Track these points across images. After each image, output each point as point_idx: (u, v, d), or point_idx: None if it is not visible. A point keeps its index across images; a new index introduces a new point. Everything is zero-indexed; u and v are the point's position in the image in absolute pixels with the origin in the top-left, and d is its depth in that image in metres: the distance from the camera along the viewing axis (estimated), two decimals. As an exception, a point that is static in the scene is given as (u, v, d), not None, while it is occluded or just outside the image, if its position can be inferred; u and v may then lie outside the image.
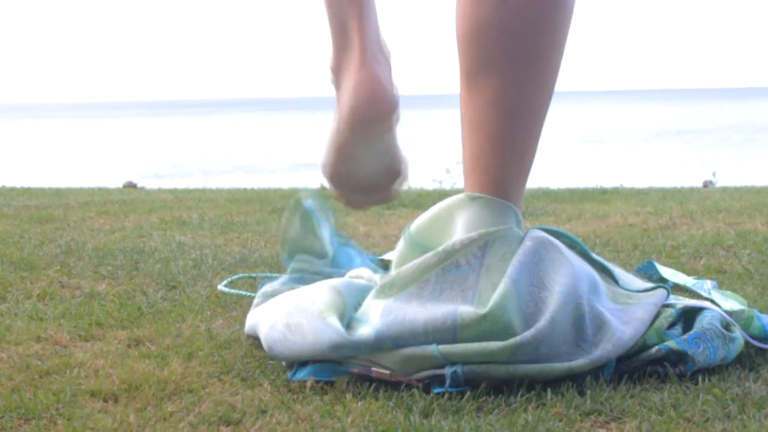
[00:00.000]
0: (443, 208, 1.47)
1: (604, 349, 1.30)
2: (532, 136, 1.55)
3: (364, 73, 1.69)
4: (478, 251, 1.37)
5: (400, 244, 1.50)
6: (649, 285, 1.49)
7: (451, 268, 1.36)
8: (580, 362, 1.29)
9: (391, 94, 1.69)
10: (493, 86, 1.52)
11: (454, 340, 1.28)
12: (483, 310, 1.29)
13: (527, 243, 1.37)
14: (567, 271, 1.34)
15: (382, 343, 1.30)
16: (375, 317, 1.34)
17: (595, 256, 1.49)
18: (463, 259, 1.36)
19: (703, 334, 1.35)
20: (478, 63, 1.53)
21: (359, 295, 1.45)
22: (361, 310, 1.41)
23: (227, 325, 1.63)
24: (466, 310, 1.30)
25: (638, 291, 1.46)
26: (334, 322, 1.35)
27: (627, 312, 1.39)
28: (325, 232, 1.80)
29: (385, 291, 1.38)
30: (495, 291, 1.32)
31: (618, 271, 1.54)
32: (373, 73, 1.69)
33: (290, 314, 1.41)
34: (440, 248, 1.38)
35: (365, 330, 1.33)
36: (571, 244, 1.47)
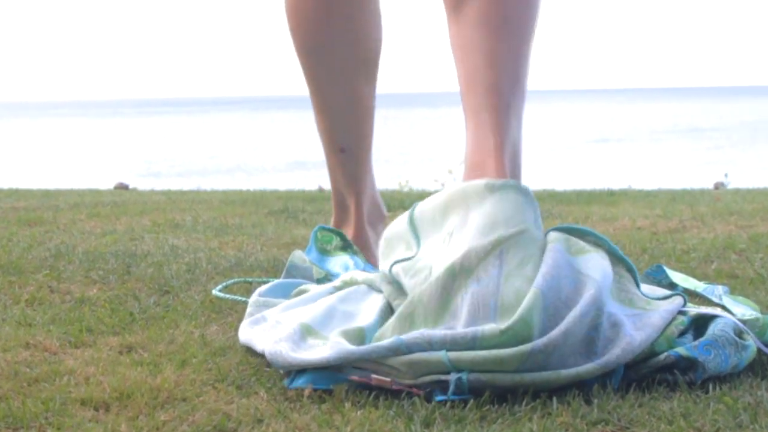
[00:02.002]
0: (456, 195, 1.48)
1: (612, 354, 1.30)
2: (522, 54, 1.65)
3: (359, 243, 2.11)
4: (496, 260, 1.37)
5: (401, 221, 1.55)
6: (668, 293, 1.49)
7: (472, 284, 1.36)
8: (587, 367, 1.29)
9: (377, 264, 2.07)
10: (477, 7, 1.64)
11: (468, 350, 1.29)
12: (504, 325, 1.30)
13: (555, 254, 1.37)
14: (591, 286, 1.35)
15: (397, 349, 1.31)
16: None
17: (622, 254, 1.48)
18: (483, 272, 1.36)
19: (714, 342, 1.34)
20: None
21: (359, 300, 1.46)
22: (378, 335, 1.41)
23: (222, 332, 1.63)
24: (489, 327, 1.30)
25: (657, 298, 1.46)
26: (342, 339, 1.38)
27: (642, 318, 1.39)
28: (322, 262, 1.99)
29: (413, 328, 1.38)
30: (517, 297, 1.33)
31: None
32: (366, 245, 2.11)
33: (293, 332, 1.42)
34: (457, 265, 1.37)
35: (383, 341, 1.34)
36: (598, 242, 1.47)
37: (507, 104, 1.58)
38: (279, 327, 1.47)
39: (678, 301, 1.44)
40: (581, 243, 1.44)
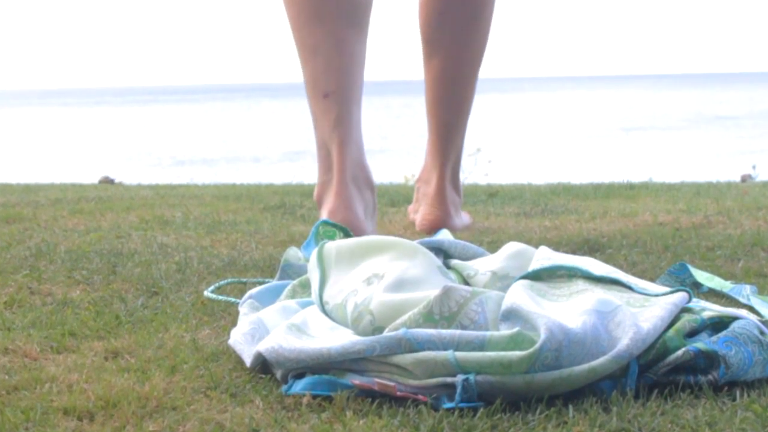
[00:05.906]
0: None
1: (622, 344, 1.32)
2: (469, 92, 2.61)
3: (339, 201, 2.16)
4: (477, 307, 1.41)
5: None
6: (669, 289, 1.51)
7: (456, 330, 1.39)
8: (601, 361, 1.30)
9: (361, 223, 2.18)
10: (438, 65, 2.56)
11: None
12: (513, 330, 1.33)
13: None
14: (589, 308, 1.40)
15: (401, 339, 1.31)
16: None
17: (599, 274, 1.55)
18: (466, 319, 1.39)
19: (734, 338, 1.36)
20: None
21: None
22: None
23: (214, 336, 1.63)
24: (498, 332, 1.34)
25: (656, 295, 1.48)
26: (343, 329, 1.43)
27: (643, 313, 1.41)
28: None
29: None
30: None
31: (632, 279, 1.61)
32: (348, 202, 2.17)
33: (290, 325, 1.44)
34: (435, 314, 1.39)
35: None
36: (571, 273, 1.55)
37: (451, 127, 2.58)
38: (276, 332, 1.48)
39: (681, 295, 1.46)
40: (555, 282, 1.54)
